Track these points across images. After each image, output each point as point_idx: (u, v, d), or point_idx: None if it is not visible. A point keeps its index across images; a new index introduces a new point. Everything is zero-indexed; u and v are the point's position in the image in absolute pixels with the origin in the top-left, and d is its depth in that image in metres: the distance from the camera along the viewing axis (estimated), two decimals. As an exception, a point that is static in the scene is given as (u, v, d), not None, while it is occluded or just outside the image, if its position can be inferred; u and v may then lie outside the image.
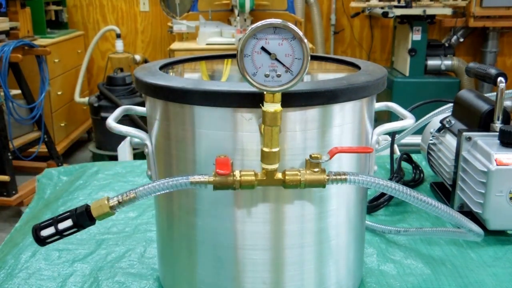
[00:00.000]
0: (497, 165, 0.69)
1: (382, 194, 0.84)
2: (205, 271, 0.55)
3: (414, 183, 0.94)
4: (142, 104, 0.65)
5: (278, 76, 0.43)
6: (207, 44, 3.09)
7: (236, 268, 0.54)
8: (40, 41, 3.03)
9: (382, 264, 0.68)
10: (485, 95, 0.84)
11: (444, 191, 0.87)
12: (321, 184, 0.48)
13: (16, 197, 2.55)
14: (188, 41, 3.34)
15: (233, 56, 0.69)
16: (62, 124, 3.43)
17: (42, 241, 0.51)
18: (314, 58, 0.68)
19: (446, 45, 3.62)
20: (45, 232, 0.51)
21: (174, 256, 0.58)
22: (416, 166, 0.98)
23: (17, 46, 2.63)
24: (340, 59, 0.66)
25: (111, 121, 0.58)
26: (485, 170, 0.70)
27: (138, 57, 3.54)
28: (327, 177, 0.48)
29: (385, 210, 0.84)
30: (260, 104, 0.45)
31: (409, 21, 3.37)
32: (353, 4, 3.52)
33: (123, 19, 3.95)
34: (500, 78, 0.76)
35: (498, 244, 0.73)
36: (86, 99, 3.40)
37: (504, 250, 0.72)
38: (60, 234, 0.51)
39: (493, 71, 0.79)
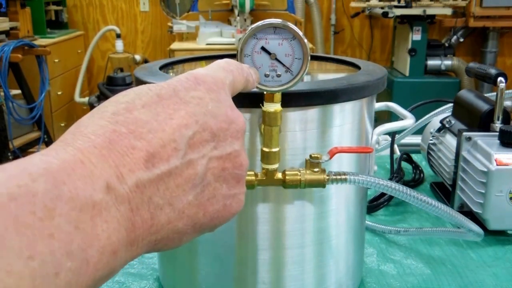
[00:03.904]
0: (497, 165, 0.69)
1: (382, 194, 0.84)
2: (205, 271, 0.55)
3: (414, 183, 0.95)
4: (142, 104, 0.65)
5: (278, 76, 0.43)
6: (207, 44, 3.09)
7: (236, 268, 0.54)
8: (40, 41, 3.04)
9: (382, 264, 0.68)
10: (485, 95, 0.84)
11: (444, 191, 0.87)
12: (321, 184, 0.48)
13: (16, 197, 2.55)
14: (188, 41, 3.34)
15: (233, 56, 0.69)
16: (62, 124, 3.43)
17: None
18: (314, 58, 0.68)
19: (446, 45, 3.62)
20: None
21: (174, 256, 0.58)
22: (416, 166, 0.98)
23: (17, 46, 2.63)
24: (340, 59, 0.66)
25: (111, 121, 0.58)
26: (485, 170, 0.70)
27: (138, 57, 3.54)
28: (327, 177, 0.48)
29: (385, 210, 0.84)
30: (260, 104, 0.45)
31: (409, 21, 3.37)
32: (353, 4, 3.52)
33: (123, 19, 3.95)
34: (500, 78, 0.76)
35: (498, 244, 0.73)
36: (86, 99, 3.40)
37: (504, 250, 0.72)
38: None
39: (493, 71, 0.79)
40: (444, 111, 0.93)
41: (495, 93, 0.77)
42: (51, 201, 0.21)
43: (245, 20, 3.18)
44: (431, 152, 0.91)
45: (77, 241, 0.22)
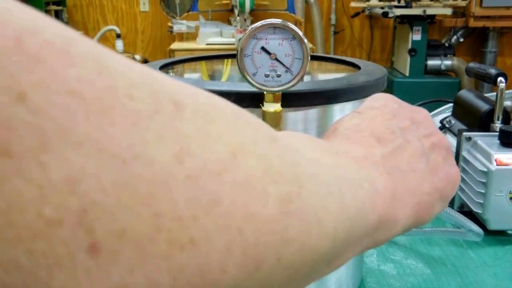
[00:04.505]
0: (497, 165, 0.69)
1: (382, 194, 0.84)
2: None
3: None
4: (142, 104, 0.65)
5: (278, 76, 0.43)
6: (207, 44, 3.09)
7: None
8: (40, 41, 3.03)
9: (382, 264, 0.69)
10: (485, 95, 0.84)
11: (444, 191, 0.87)
12: (321, 184, 0.48)
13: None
14: (188, 41, 3.34)
15: (233, 56, 0.69)
16: (62, 124, 3.42)
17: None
18: (314, 58, 0.68)
19: (446, 45, 3.62)
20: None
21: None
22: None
23: (17, 46, 2.63)
24: (340, 59, 0.66)
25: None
26: (485, 170, 0.70)
27: (138, 57, 3.54)
28: (327, 177, 0.48)
29: (385, 210, 0.84)
30: (260, 104, 0.45)
31: (409, 21, 3.37)
32: (353, 4, 3.52)
33: (123, 19, 3.96)
34: (500, 78, 0.76)
35: (498, 244, 0.73)
36: (86, 99, 3.40)
37: (504, 250, 0.72)
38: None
39: (493, 71, 0.79)
40: (444, 111, 0.93)
41: (495, 93, 0.77)
42: (341, 151, 0.30)
43: (245, 20, 3.18)
44: (431, 152, 0.91)
45: (364, 176, 0.28)
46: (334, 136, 0.33)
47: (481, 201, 0.71)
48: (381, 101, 0.37)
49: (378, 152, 0.31)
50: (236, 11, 3.17)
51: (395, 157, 0.31)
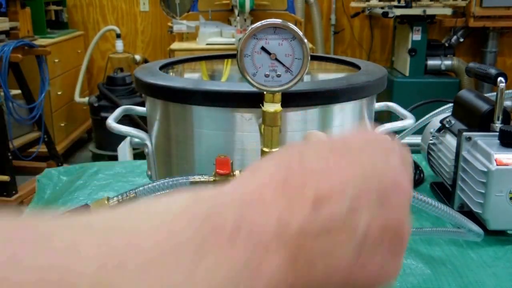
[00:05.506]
0: (497, 165, 0.69)
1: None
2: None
3: (414, 183, 0.94)
4: (142, 104, 0.66)
5: (278, 76, 0.43)
6: (207, 44, 3.09)
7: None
8: (40, 41, 3.03)
9: (382, 264, 0.68)
10: (485, 95, 0.84)
11: (444, 191, 0.87)
12: (321, 184, 0.48)
13: (16, 197, 2.55)
14: (188, 41, 3.33)
15: (233, 56, 0.69)
16: (62, 124, 3.42)
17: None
18: (314, 58, 0.68)
19: (446, 45, 3.62)
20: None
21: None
22: (416, 166, 0.98)
23: (17, 46, 2.63)
24: (340, 59, 0.66)
25: (111, 121, 0.58)
26: (485, 170, 0.70)
27: (138, 57, 3.54)
28: (327, 177, 0.48)
29: (385, 210, 0.84)
30: (260, 104, 0.45)
31: (409, 21, 3.37)
32: (353, 4, 3.52)
33: (123, 19, 3.95)
34: (500, 78, 0.76)
35: (498, 244, 0.73)
36: (86, 99, 3.40)
37: (504, 250, 0.72)
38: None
39: (493, 71, 0.79)
40: (444, 111, 0.93)
41: (495, 93, 0.77)
42: (234, 233, 0.23)
43: (245, 20, 3.17)
44: (431, 152, 0.91)
45: (244, 276, 0.22)
46: (288, 168, 0.26)
47: (481, 201, 0.71)
48: (377, 144, 0.29)
49: (302, 218, 0.24)
50: (236, 11, 3.17)
51: (320, 231, 0.25)
